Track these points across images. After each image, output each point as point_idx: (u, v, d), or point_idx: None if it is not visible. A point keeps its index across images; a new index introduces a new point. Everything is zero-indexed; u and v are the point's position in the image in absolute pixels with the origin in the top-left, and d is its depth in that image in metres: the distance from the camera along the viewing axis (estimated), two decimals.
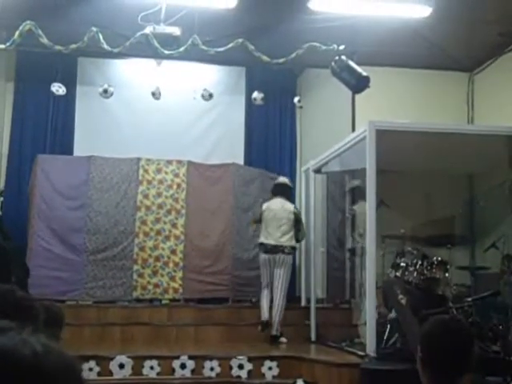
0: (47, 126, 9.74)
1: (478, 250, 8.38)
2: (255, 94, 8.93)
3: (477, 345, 2.44)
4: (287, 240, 7.81)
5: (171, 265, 8.58)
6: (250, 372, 6.39)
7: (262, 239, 7.89)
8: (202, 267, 8.66)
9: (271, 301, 7.78)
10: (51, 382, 0.78)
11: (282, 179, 8.32)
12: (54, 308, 3.24)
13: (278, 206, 7.90)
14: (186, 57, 7.74)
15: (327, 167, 8.14)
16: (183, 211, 8.75)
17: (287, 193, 8.18)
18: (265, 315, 7.70)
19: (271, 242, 7.78)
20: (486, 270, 7.55)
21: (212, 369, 6.36)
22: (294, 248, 7.95)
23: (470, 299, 6.51)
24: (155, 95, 8.68)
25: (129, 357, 6.30)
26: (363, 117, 7.86)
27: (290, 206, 7.98)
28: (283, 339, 7.75)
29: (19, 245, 7.69)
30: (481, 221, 8.53)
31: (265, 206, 8.01)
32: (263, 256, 7.85)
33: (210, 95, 8.90)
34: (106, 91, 8.68)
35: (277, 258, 7.75)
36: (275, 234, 7.79)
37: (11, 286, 1.34)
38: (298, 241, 8.03)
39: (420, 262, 6.85)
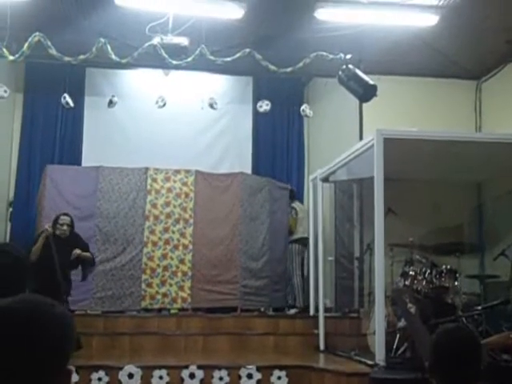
0: (56, 136, 9.79)
1: (487, 258, 8.34)
2: (262, 103, 8.90)
3: (487, 353, 2.43)
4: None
5: (180, 274, 8.58)
6: (259, 381, 6.36)
7: (302, 234, 9.16)
8: (211, 276, 8.65)
9: (303, 283, 8.97)
10: None
11: None
12: None
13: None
14: (193, 67, 7.78)
15: (335, 176, 8.13)
16: (191, 220, 8.75)
17: None
18: (300, 301, 8.94)
19: (305, 235, 9.04)
20: (496, 278, 7.51)
21: (221, 378, 6.35)
22: None
23: (479, 308, 6.47)
24: (158, 103, 8.63)
25: (138, 366, 6.30)
26: (371, 125, 7.85)
27: None
28: None
29: None
30: (490, 229, 8.50)
31: (295, 205, 9.41)
32: (300, 247, 9.18)
33: (218, 105, 8.91)
34: (111, 102, 8.66)
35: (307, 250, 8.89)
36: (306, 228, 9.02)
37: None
38: None
39: (429, 271, 6.83)
